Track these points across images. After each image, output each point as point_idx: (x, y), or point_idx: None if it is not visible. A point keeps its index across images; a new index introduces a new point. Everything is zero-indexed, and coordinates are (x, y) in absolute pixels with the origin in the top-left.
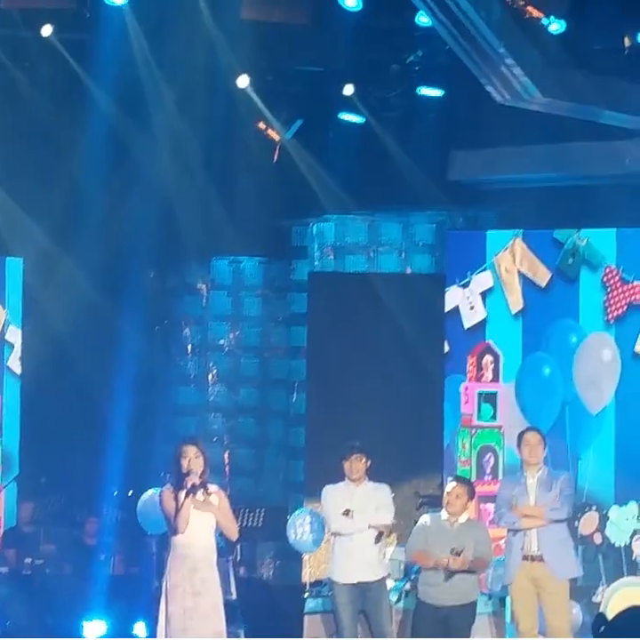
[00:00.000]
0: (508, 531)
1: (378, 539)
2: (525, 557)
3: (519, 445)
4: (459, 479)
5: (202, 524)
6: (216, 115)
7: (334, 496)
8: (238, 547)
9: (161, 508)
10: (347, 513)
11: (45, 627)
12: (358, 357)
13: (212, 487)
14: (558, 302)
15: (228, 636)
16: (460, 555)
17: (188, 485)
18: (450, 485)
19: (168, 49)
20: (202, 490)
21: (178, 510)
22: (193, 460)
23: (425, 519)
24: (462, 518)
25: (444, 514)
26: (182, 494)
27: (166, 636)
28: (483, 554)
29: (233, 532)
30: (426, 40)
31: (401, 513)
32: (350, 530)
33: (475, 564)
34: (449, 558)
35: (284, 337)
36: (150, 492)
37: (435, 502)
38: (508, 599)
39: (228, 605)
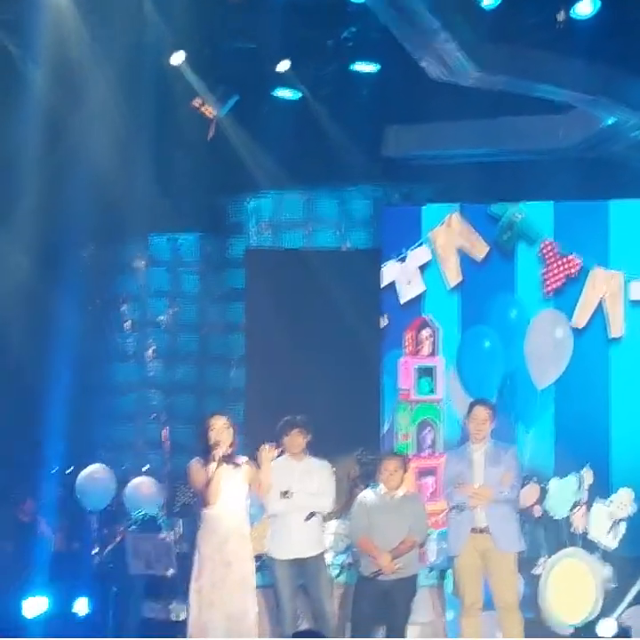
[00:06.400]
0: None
1: (308, 517)
2: (474, 530)
3: (467, 418)
4: (391, 454)
5: (232, 496)
6: (151, 91)
7: (273, 474)
8: (180, 522)
9: (190, 480)
10: (285, 494)
11: None
12: (296, 333)
13: (242, 458)
14: (495, 276)
15: (166, 611)
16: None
17: (218, 456)
18: (384, 461)
19: (102, 25)
20: (232, 461)
21: (208, 482)
22: (221, 431)
23: (364, 495)
24: (400, 492)
25: (382, 488)
26: (212, 466)
27: (197, 610)
28: (419, 529)
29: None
30: (360, 16)
31: (340, 488)
32: (288, 510)
33: (410, 547)
34: (387, 565)
35: (222, 313)
36: (89, 468)
37: (373, 477)
38: (448, 572)
39: (169, 581)
